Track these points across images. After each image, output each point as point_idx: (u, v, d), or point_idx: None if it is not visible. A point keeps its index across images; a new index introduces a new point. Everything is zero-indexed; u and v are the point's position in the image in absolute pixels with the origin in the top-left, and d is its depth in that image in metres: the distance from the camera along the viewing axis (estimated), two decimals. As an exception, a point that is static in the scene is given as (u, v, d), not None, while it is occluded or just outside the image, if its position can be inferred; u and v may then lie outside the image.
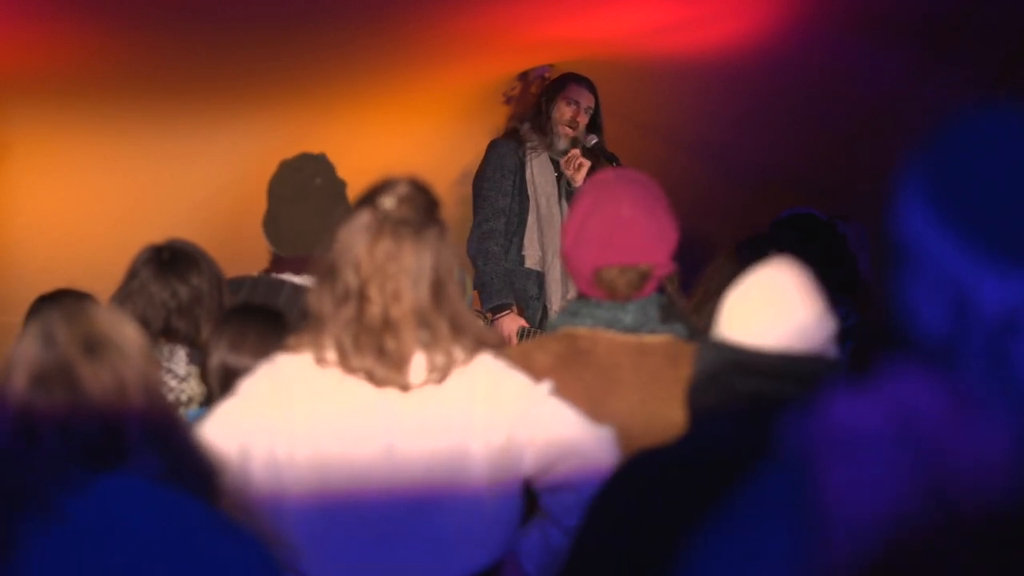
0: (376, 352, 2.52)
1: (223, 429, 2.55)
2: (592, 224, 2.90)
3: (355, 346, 2.52)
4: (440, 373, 2.54)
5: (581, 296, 2.98)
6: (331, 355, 2.54)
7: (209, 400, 3.12)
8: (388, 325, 2.52)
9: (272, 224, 3.84)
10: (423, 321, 2.52)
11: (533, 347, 2.95)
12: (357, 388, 2.55)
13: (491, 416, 2.58)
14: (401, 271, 2.51)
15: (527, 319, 5.17)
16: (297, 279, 3.71)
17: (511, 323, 5.12)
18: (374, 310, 2.52)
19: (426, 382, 2.55)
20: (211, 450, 2.42)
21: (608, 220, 2.89)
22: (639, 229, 2.87)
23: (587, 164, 5.13)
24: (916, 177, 1.33)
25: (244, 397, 2.61)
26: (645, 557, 2.07)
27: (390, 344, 2.52)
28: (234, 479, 2.49)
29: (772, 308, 2.12)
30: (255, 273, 3.80)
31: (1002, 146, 1.30)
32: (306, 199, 3.77)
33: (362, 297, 2.52)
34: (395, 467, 2.56)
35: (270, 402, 2.57)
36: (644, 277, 2.89)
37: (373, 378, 2.54)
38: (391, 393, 2.55)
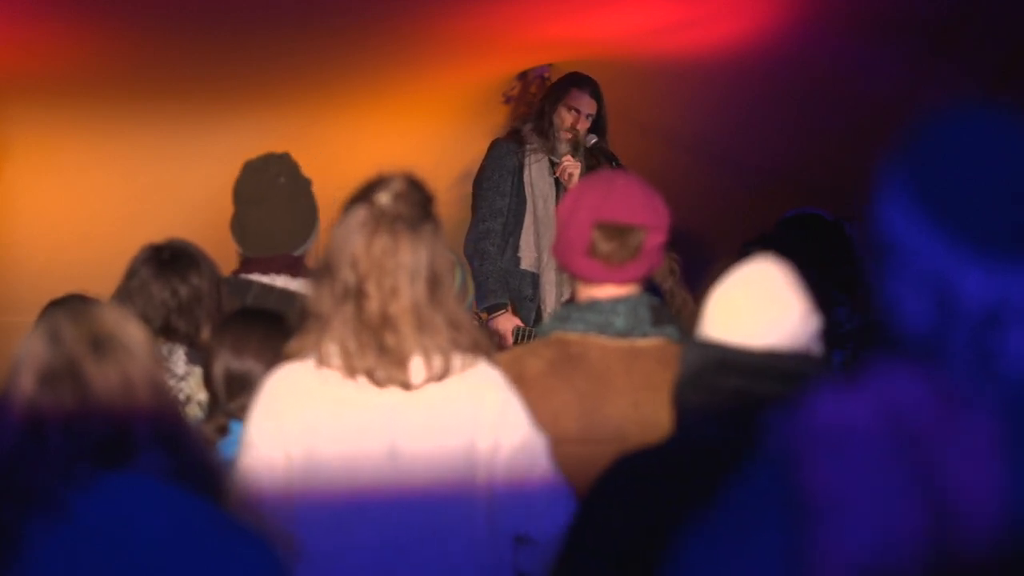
0: (377, 350, 2.51)
1: (261, 444, 2.56)
2: (589, 194, 2.92)
3: (357, 345, 2.52)
4: (440, 372, 2.54)
5: (571, 300, 2.98)
6: (335, 358, 2.54)
7: (214, 406, 3.12)
8: (387, 321, 2.50)
9: (237, 224, 3.83)
10: (421, 318, 2.52)
11: (525, 353, 2.95)
12: (360, 391, 2.55)
13: (493, 416, 2.59)
14: (399, 267, 2.50)
15: (521, 320, 5.17)
16: (265, 279, 3.70)
17: (506, 323, 5.12)
18: (372, 306, 2.51)
19: (427, 381, 2.54)
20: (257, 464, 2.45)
21: (604, 186, 2.93)
22: (633, 192, 2.91)
23: (577, 173, 5.10)
24: (898, 173, 1.34)
25: (254, 417, 2.61)
26: (634, 557, 2.07)
27: (390, 340, 2.50)
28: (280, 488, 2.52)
29: (756, 306, 2.12)
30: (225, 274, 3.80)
31: (984, 141, 1.32)
32: (270, 199, 3.76)
33: (360, 294, 2.51)
34: (400, 469, 2.55)
35: (276, 413, 2.56)
36: (639, 244, 2.88)
37: (374, 379, 2.53)
38: (394, 394, 2.55)
